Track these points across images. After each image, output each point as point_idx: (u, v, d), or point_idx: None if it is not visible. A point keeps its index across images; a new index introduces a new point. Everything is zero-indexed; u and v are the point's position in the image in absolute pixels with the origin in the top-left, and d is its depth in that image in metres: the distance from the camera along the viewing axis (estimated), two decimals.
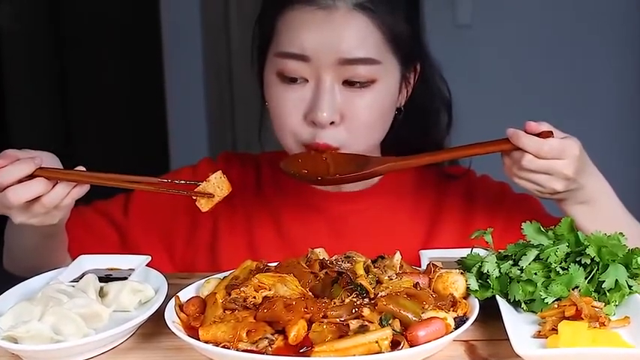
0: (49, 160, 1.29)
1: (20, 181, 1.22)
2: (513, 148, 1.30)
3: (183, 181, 1.28)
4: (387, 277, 1.13)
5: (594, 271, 1.15)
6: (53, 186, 1.24)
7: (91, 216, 1.56)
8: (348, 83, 1.38)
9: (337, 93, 1.38)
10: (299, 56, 1.37)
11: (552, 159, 1.29)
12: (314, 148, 1.40)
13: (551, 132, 1.30)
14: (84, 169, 1.27)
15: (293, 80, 1.39)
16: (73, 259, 1.33)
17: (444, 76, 1.60)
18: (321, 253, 1.22)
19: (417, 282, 1.14)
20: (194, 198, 1.26)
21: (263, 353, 1.02)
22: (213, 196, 1.27)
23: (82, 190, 1.27)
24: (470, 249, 1.24)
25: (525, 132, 1.30)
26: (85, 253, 1.34)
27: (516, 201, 1.57)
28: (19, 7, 5.14)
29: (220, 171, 1.28)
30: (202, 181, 1.26)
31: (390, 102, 1.45)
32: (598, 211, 1.36)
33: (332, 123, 1.38)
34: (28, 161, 1.23)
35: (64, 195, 1.25)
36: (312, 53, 1.36)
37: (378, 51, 1.39)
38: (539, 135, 1.29)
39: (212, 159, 1.67)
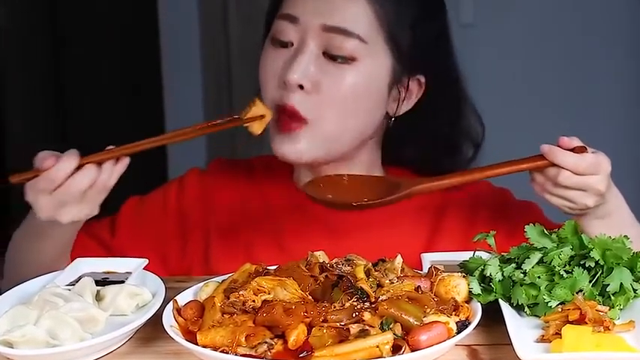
0: None
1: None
2: (548, 164, 1.29)
3: (224, 120, 1.36)
4: (388, 281, 1.13)
5: (598, 275, 1.14)
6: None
7: (83, 238, 1.53)
8: (329, 55, 1.41)
9: (315, 60, 1.41)
10: (289, 16, 1.42)
11: (589, 175, 1.29)
12: (281, 111, 1.42)
13: (585, 147, 1.30)
14: (113, 147, 1.31)
15: (283, 45, 1.44)
16: None
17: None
18: (321, 256, 1.22)
19: (419, 285, 1.13)
20: (246, 125, 1.34)
21: (262, 358, 1.01)
22: (264, 116, 1.34)
23: (123, 165, 1.32)
24: (472, 252, 1.24)
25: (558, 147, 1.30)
26: None
27: (519, 208, 1.56)
28: (18, 7, 5.15)
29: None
30: (241, 113, 1.35)
31: (372, 90, 1.44)
32: (613, 224, 1.35)
33: (302, 88, 1.40)
34: (71, 154, 1.28)
35: (111, 175, 1.30)
36: (302, 15, 1.41)
37: (366, 31, 1.41)
38: (572, 150, 1.29)
39: (200, 169, 1.66)
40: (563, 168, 1.28)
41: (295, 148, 1.43)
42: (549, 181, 1.31)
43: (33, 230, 1.43)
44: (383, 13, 1.41)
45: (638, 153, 3.54)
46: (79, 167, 1.27)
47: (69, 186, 1.26)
